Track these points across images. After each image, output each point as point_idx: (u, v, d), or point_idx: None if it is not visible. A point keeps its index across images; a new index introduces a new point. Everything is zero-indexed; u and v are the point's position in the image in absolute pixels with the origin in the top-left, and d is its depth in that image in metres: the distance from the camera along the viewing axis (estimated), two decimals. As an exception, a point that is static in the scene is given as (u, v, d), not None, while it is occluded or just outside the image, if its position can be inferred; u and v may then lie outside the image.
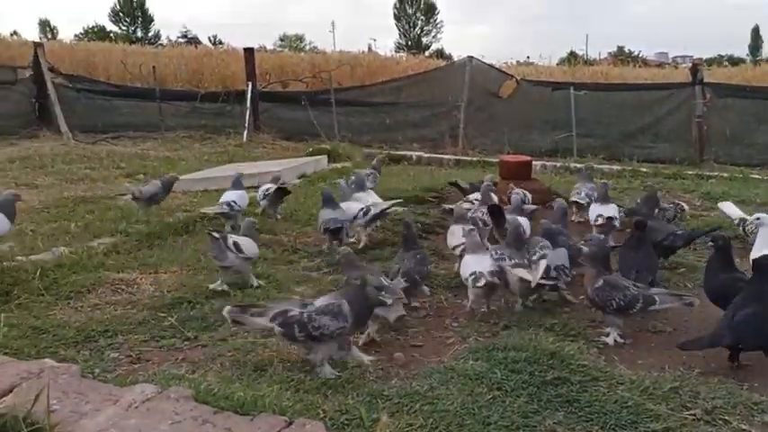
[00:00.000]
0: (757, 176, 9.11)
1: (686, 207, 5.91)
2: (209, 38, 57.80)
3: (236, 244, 4.39)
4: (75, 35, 52.42)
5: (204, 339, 3.67)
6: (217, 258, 4.42)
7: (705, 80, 11.87)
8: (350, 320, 3.12)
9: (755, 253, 4.09)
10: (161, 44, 44.59)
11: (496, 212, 4.82)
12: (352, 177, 6.59)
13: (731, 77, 20.52)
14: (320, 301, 3.20)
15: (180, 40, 49.92)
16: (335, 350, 3.22)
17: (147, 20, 61.68)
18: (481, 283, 3.85)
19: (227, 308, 3.25)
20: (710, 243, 4.03)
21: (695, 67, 11.99)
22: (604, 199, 5.54)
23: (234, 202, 5.90)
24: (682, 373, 3.18)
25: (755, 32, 75.39)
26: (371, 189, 6.49)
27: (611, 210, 5.38)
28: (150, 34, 60.05)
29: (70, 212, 6.60)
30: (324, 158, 10.05)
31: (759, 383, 3.13)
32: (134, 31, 59.31)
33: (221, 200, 5.99)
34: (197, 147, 12.86)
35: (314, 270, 4.97)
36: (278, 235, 5.84)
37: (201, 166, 10.00)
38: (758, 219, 4.43)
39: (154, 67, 15.53)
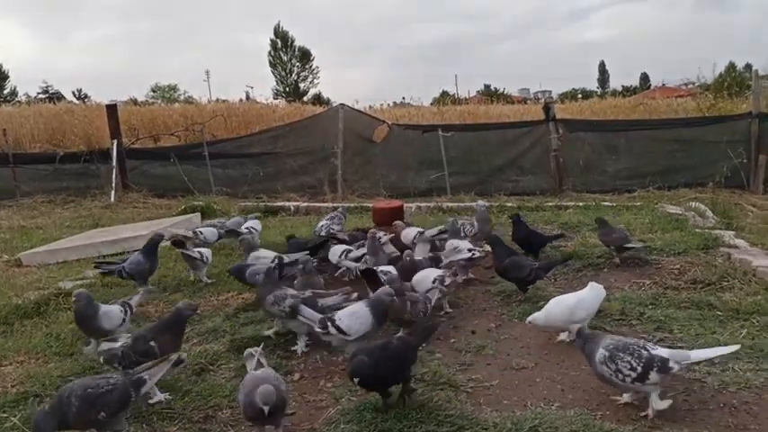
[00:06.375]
0: (608, 203, 9.94)
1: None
2: (73, 92, 54.82)
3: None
4: None
5: (52, 438, 3.32)
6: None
7: (557, 116, 12.95)
8: None
9: None
10: (18, 101, 41.53)
11: (370, 275, 4.86)
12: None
13: (582, 111, 22.58)
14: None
15: (40, 96, 46.84)
16: None
17: (2, 77, 57.44)
18: None
19: None
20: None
21: (547, 106, 13.06)
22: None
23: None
24: (542, 409, 3.33)
25: (602, 67, 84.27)
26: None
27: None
28: (6, 92, 55.89)
29: None
30: (197, 216, 9.70)
31: (610, 411, 3.34)
32: (-14, 91, 54.97)
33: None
34: (58, 212, 11.96)
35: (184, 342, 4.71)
36: (144, 306, 5.49)
37: (62, 234, 9.29)
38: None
39: (5, 129, 14.37)
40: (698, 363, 3.32)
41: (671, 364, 3.17)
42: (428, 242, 6.00)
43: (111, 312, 4.41)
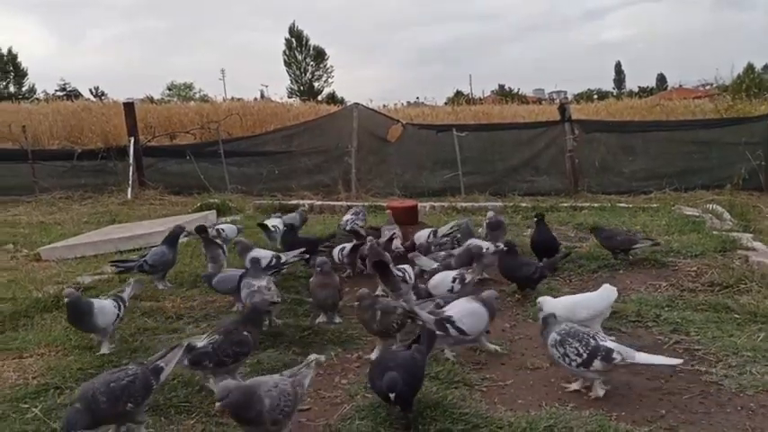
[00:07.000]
0: (624, 205, 9.87)
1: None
2: (90, 90, 55.48)
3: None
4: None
5: (72, 430, 3.38)
6: None
7: (573, 117, 12.86)
8: None
9: None
10: (37, 99, 42.13)
11: (382, 267, 4.88)
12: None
13: (598, 111, 22.42)
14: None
15: (58, 93, 47.48)
16: None
17: (21, 74, 58.28)
18: None
19: None
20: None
21: (563, 107, 12.98)
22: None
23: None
24: (557, 409, 3.33)
25: (618, 67, 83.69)
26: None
27: None
28: (24, 89, 56.73)
29: None
30: (213, 213, 9.78)
31: (626, 412, 3.33)
32: (5, 87, 55.77)
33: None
34: (76, 208, 12.11)
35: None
36: (161, 301, 5.57)
37: (80, 230, 9.41)
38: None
39: (24, 126, 14.57)
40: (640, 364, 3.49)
41: (614, 355, 3.36)
42: (423, 250, 6.02)
43: (105, 308, 4.40)
